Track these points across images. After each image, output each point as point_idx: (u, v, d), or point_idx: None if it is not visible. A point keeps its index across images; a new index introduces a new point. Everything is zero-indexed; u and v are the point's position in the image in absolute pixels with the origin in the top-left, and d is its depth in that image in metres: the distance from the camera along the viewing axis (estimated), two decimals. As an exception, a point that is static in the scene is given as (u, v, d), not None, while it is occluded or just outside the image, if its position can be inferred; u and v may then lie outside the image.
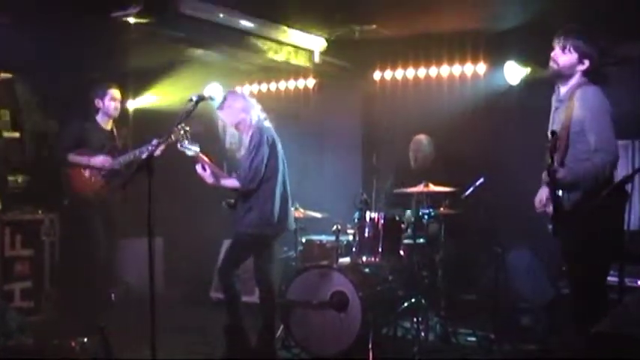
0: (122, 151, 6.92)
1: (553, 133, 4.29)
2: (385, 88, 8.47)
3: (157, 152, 5.89)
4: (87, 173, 6.77)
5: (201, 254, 8.62)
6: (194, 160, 5.69)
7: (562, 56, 4.49)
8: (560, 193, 4.34)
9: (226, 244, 8.39)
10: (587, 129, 4.30)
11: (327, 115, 8.87)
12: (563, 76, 4.53)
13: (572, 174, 4.29)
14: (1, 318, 5.81)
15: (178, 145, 5.64)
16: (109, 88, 6.94)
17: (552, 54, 4.54)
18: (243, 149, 5.75)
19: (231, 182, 5.72)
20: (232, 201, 5.85)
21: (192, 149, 5.66)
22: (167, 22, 6.21)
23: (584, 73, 4.48)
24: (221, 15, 6.46)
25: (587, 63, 4.46)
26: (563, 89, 4.54)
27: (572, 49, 4.45)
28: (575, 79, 4.49)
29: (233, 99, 5.84)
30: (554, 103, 4.62)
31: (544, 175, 4.40)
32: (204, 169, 5.68)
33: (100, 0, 5.97)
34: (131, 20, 6.06)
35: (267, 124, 5.81)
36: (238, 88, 6.23)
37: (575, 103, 4.36)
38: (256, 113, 5.80)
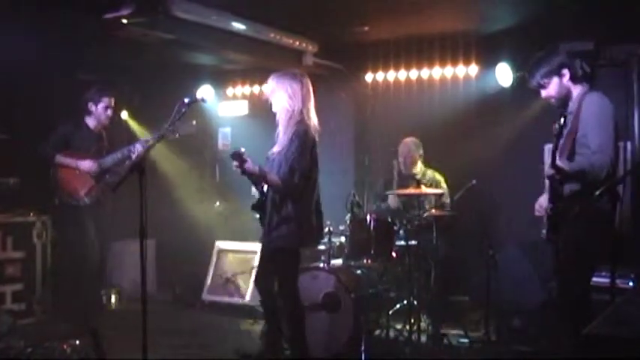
0: (110, 151, 6.88)
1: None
2: (377, 90, 8.49)
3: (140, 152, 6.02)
4: (77, 174, 6.73)
5: (193, 256, 8.61)
6: (238, 162, 4.79)
7: (548, 90, 4.59)
8: (562, 190, 4.36)
9: (219, 245, 8.41)
10: (589, 132, 4.33)
11: (319, 116, 8.85)
12: (565, 97, 4.59)
13: (572, 165, 4.32)
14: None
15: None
16: (104, 95, 6.87)
17: (542, 96, 4.65)
18: (279, 146, 5.04)
19: (275, 178, 4.91)
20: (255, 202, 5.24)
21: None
22: (159, 23, 6.20)
23: (574, 77, 4.52)
24: (213, 17, 6.46)
25: (566, 72, 4.54)
26: (572, 102, 4.56)
27: (545, 79, 4.56)
28: (576, 90, 4.54)
29: (281, 82, 5.08)
30: (565, 114, 4.63)
31: (547, 169, 4.42)
32: (245, 160, 4.77)
33: (92, 1, 5.95)
34: (123, 22, 6.04)
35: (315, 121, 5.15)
36: (297, 72, 5.22)
37: (582, 109, 4.40)
38: (305, 107, 5.06)
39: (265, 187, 5.12)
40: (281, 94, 5.04)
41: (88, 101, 6.83)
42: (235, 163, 4.76)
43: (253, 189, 5.25)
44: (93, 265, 6.76)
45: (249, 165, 4.76)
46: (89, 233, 6.73)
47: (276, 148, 5.07)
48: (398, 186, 7.05)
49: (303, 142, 4.92)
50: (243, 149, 4.76)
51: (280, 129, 5.10)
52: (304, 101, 5.05)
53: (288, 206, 4.96)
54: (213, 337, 6.74)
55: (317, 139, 5.09)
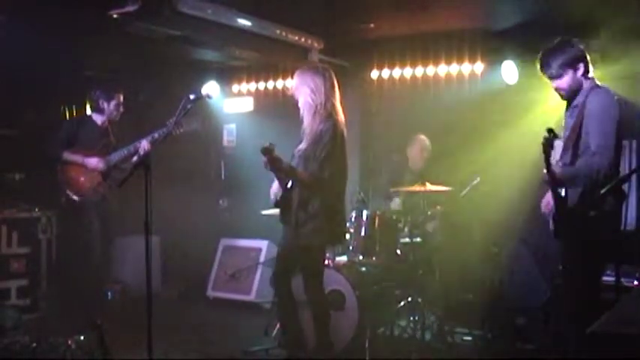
0: (116, 147, 6.88)
1: (549, 130, 4.28)
2: (383, 88, 8.46)
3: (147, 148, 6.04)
4: (84, 170, 6.74)
5: (197, 252, 8.62)
6: (268, 157, 4.69)
7: (561, 82, 4.53)
8: (563, 193, 4.35)
9: (223, 242, 8.42)
10: (590, 131, 4.32)
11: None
12: (575, 90, 4.54)
13: (567, 170, 4.31)
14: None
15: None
16: (116, 92, 6.87)
17: (553, 86, 4.58)
18: (305, 142, 4.93)
19: (305, 174, 4.84)
20: (278, 198, 5.12)
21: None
22: (164, 20, 6.20)
23: (586, 73, 4.49)
24: (218, 13, 6.45)
25: (581, 66, 4.48)
26: (579, 96, 4.54)
27: (560, 70, 4.49)
28: (585, 84, 4.51)
29: (304, 77, 5.00)
30: (569, 110, 4.60)
31: (544, 174, 4.41)
32: (276, 156, 4.69)
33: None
34: (129, 18, 6.05)
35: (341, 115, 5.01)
36: (318, 65, 5.13)
37: (586, 105, 4.38)
38: (330, 101, 4.94)
39: (290, 183, 4.98)
40: (304, 90, 4.96)
41: (99, 98, 6.81)
42: (264, 158, 4.64)
43: (274, 186, 5.14)
44: (97, 261, 6.77)
45: (280, 161, 4.68)
46: (94, 230, 6.73)
47: (302, 145, 4.96)
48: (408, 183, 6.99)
49: (332, 138, 4.82)
50: (274, 144, 4.65)
51: (305, 125, 4.98)
52: (328, 95, 4.95)
53: (315, 203, 4.88)
54: (217, 334, 6.75)
55: (345, 134, 4.97)
